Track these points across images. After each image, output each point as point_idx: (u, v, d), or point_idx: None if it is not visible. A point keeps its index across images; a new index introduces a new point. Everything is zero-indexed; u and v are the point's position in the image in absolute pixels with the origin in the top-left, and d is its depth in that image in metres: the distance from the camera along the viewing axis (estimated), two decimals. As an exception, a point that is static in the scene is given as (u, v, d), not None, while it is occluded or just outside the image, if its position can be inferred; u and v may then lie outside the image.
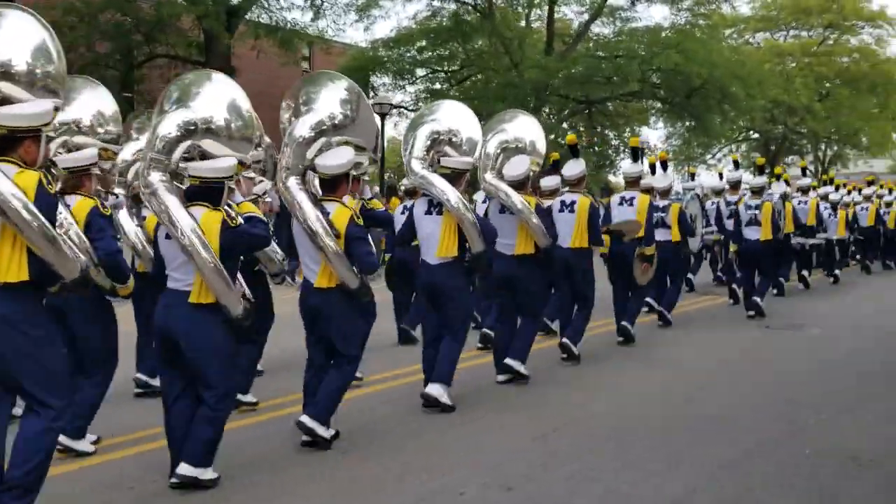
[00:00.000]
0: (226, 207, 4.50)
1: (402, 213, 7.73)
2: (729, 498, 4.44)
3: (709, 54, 24.83)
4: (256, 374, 6.65)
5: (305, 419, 5.14)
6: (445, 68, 27.65)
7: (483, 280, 7.99)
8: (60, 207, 4.45)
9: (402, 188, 9.18)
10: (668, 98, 28.26)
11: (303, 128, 5.29)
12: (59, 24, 17.73)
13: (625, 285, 9.04)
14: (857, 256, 17.87)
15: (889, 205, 18.16)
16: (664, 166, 10.91)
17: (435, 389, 6.08)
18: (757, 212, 10.85)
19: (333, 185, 5.27)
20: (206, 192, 4.49)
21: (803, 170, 16.56)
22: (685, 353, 8.71)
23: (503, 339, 7.15)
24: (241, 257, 4.98)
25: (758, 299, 10.80)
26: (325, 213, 5.03)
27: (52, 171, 5.04)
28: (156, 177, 4.46)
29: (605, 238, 8.58)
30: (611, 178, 35.82)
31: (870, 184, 18.44)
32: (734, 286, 12.06)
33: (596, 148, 34.70)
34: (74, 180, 5.18)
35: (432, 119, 6.58)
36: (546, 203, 8.48)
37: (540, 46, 26.73)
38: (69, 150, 5.44)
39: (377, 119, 7.67)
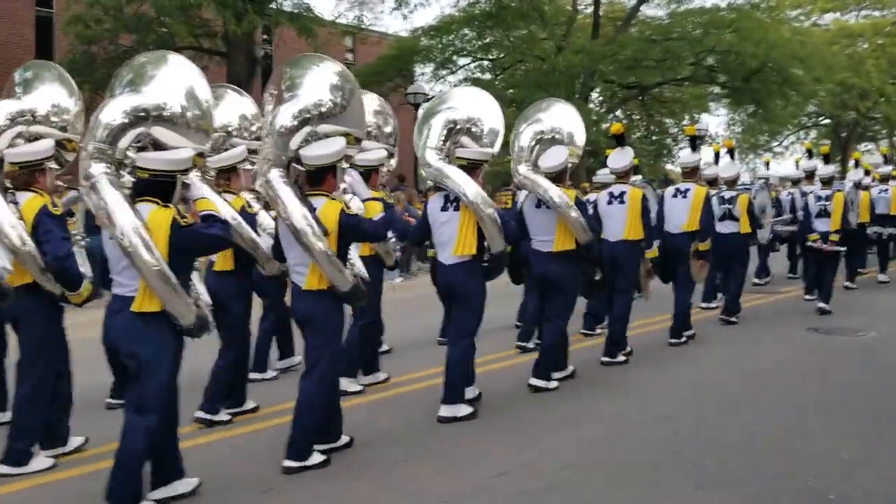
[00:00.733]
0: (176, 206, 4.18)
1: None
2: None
3: (765, 34, 23.31)
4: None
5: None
6: (489, 56, 26.69)
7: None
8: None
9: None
10: (726, 82, 26.79)
11: (285, 116, 4.86)
12: (85, 18, 17.53)
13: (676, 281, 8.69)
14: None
15: None
16: (731, 155, 10.44)
17: (448, 410, 5.83)
18: (827, 203, 10.40)
19: (319, 177, 4.87)
20: (155, 187, 4.14)
21: (885, 157, 15.48)
22: (706, 360, 7.93)
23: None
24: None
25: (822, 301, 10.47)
26: (312, 209, 4.64)
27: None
28: (98, 168, 4.09)
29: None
30: (669, 167, 34.60)
31: None
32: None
33: (653, 137, 33.52)
34: (26, 176, 4.89)
35: (449, 107, 6.25)
36: (593, 196, 8.59)
37: (588, 31, 25.65)
38: (27, 141, 5.11)
39: (387, 108, 7.33)
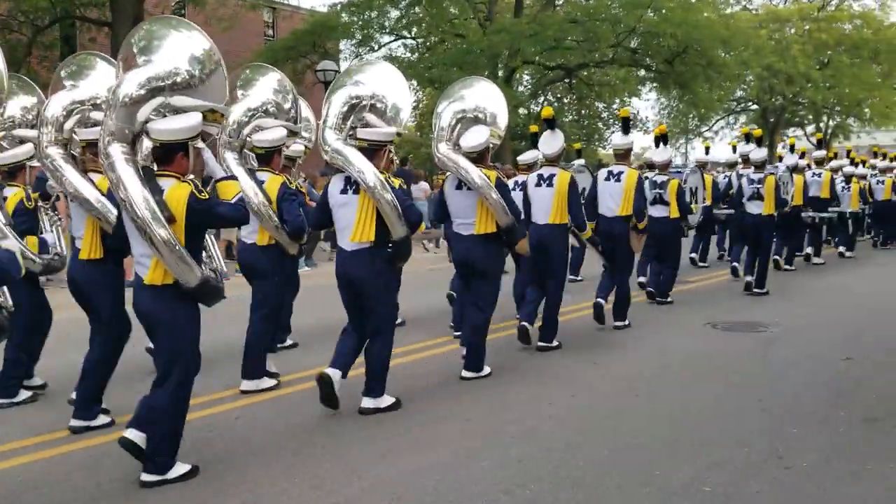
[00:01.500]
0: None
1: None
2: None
3: (686, 15, 23.35)
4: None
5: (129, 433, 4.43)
6: (412, 35, 26.07)
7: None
8: None
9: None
10: (651, 65, 26.85)
11: (131, 84, 4.33)
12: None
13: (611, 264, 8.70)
14: (871, 231, 17.64)
15: None
16: (664, 141, 10.54)
17: (369, 402, 5.60)
18: (760, 186, 10.62)
19: (169, 156, 4.51)
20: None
21: (819, 142, 15.89)
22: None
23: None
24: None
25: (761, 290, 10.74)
26: (160, 192, 4.28)
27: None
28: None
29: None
30: (602, 151, 34.69)
31: (882, 156, 18.06)
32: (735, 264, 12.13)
33: (585, 122, 33.54)
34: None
35: (353, 82, 5.93)
36: (521, 178, 8.53)
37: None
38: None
39: (277, 77, 6.81)
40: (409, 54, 25.64)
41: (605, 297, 8.49)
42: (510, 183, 7.85)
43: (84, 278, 5.36)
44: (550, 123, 7.84)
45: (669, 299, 9.99)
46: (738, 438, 4.92)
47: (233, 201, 4.38)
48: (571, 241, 8.12)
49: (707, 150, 14.75)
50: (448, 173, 6.70)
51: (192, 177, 4.40)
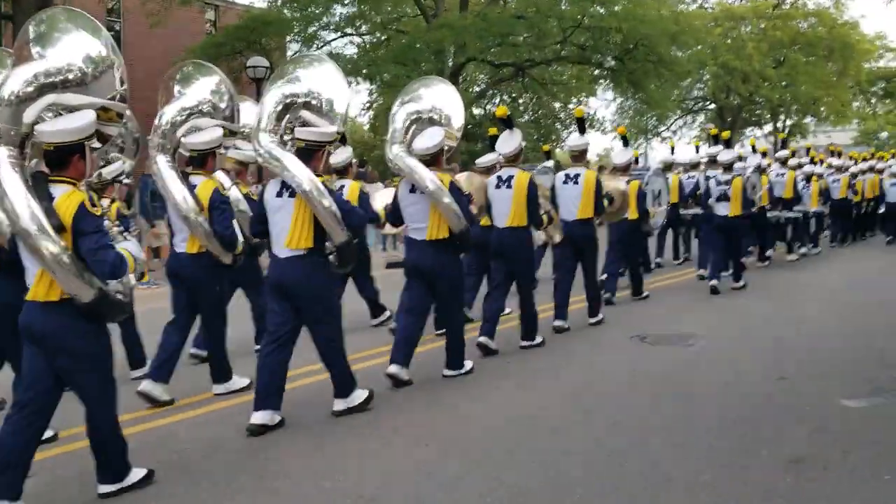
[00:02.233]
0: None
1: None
2: None
3: (634, 9, 23.14)
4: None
5: None
6: (358, 31, 25.49)
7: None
8: None
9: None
10: (602, 63, 26.71)
11: (16, 80, 4.04)
12: None
13: (573, 269, 8.68)
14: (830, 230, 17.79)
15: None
16: (624, 142, 10.71)
17: (341, 404, 5.61)
18: (727, 187, 10.84)
19: (62, 160, 4.33)
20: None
21: (783, 141, 16.02)
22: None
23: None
24: None
25: (738, 283, 10.93)
26: (50, 199, 4.09)
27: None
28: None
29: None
30: (557, 151, 34.57)
31: (837, 154, 18.34)
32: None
33: (541, 121, 33.43)
34: None
35: (288, 79, 5.77)
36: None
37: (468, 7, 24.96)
38: None
39: (216, 79, 6.51)
40: (356, 52, 25.07)
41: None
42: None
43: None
44: (506, 122, 7.71)
45: (646, 294, 10.30)
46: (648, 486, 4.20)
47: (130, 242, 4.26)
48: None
49: (672, 149, 14.81)
50: (403, 176, 6.52)
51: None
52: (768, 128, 43.10)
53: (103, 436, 4.21)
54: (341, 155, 8.41)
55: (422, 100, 6.68)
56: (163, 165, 5.99)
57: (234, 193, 6.88)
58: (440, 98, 6.77)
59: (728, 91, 38.75)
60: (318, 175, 5.34)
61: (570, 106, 32.43)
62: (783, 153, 14.75)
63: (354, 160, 9.10)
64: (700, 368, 6.76)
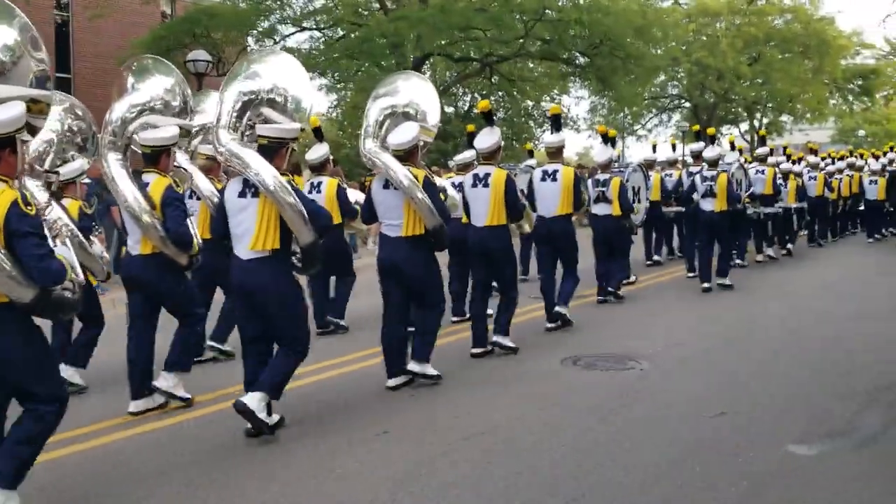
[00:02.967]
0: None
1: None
2: None
3: (596, 2, 23.00)
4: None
5: None
6: (318, 25, 24.94)
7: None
8: None
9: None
10: (569, 58, 26.41)
11: None
12: None
13: (554, 263, 8.78)
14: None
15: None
16: (605, 139, 10.75)
17: (251, 402, 5.12)
18: (712, 183, 11.05)
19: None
20: None
21: (762, 138, 16.12)
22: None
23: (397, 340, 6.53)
24: None
25: (724, 280, 11.14)
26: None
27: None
28: None
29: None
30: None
31: (813, 153, 18.55)
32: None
33: (514, 120, 33.26)
34: None
35: (247, 75, 5.67)
36: (458, 179, 8.72)
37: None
38: None
39: (171, 76, 6.41)
40: (309, 46, 24.46)
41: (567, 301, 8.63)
42: (447, 183, 8.14)
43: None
44: (488, 118, 7.66)
45: (621, 294, 10.37)
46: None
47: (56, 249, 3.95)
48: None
49: (654, 147, 15.06)
50: (376, 172, 6.48)
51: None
52: (745, 126, 43.37)
53: None
54: (318, 151, 8.59)
55: (397, 95, 6.69)
56: (113, 164, 5.87)
57: (208, 186, 6.98)
58: (416, 93, 6.79)
59: (703, 89, 38.92)
60: (282, 173, 5.23)
61: (544, 104, 32.29)
62: (763, 150, 14.81)
63: (331, 157, 9.04)
64: (630, 400, 5.95)
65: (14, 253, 3.73)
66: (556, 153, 8.84)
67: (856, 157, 20.48)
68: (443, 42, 23.74)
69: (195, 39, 21.87)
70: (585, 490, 4.28)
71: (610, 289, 10.18)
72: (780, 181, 14.59)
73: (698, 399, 5.92)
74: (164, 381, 5.92)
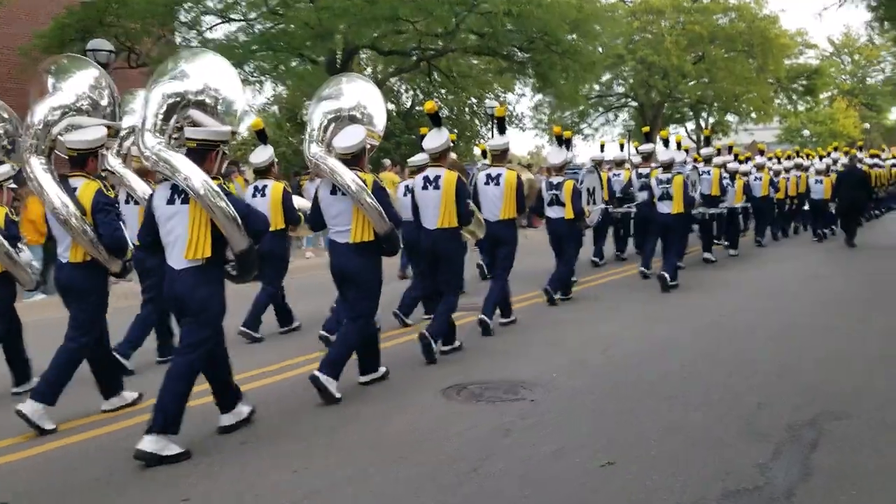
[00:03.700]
0: None
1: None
2: None
3: None
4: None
5: None
6: (243, 17, 23.98)
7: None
8: None
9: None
10: (510, 53, 26.04)
11: None
12: None
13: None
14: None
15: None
16: (559, 141, 10.79)
17: (149, 443, 4.83)
18: (668, 185, 11.28)
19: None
20: None
21: (707, 139, 16.23)
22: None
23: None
24: None
25: (667, 275, 11.08)
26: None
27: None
28: None
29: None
30: (476, 151, 34.44)
31: (761, 152, 18.77)
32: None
33: (459, 118, 33.13)
34: None
35: (173, 75, 5.50)
36: (410, 182, 8.70)
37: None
38: None
39: (94, 73, 6.09)
40: (236, 36, 23.59)
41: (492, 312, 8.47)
42: (401, 187, 8.17)
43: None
44: (435, 119, 7.61)
45: (571, 296, 10.49)
46: None
47: None
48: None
49: (602, 147, 15.09)
50: (322, 177, 6.41)
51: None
52: (691, 125, 43.99)
53: None
54: (263, 154, 8.55)
55: (341, 97, 6.67)
56: (36, 168, 5.62)
57: (144, 189, 6.92)
58: (361, 96, 6.76)
59: (648, 87, 39.34)
60: (213, 178, 5.06)
61: (488, 101, 32.21)
62: (708, 150, 14.86)
63: (276, 160, 9.01)
64: (507, 444, 4.96)
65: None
66: (500, 156, 8.87)
67: (802, 157, 20.90)
68: (374, 35, 23.34)
69: (104, 28, 20.93)
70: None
71: (549, 290, 10.09)
72: (726, 181, 14.79)
73: (586, 443, 4.92)
74: (30, 406, 5.52)
